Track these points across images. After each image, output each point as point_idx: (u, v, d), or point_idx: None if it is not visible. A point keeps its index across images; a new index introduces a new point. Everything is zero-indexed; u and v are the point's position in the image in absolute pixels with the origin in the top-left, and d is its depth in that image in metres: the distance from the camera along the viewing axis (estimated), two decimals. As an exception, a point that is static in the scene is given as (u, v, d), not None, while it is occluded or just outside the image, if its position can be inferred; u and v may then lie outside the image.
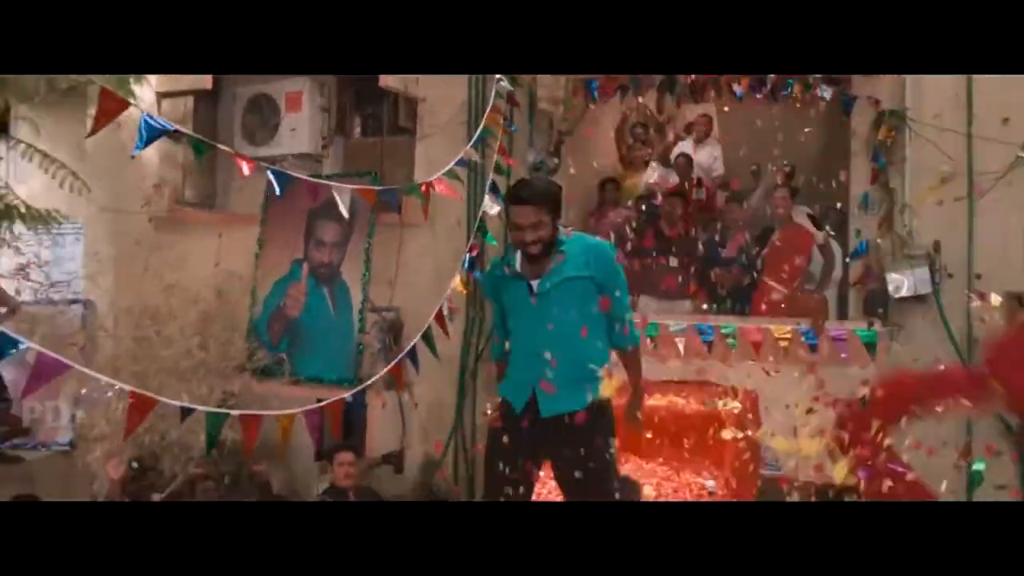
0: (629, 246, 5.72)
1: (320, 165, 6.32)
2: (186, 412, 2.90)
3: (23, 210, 4.86)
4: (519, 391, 3.03)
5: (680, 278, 5.45)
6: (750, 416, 4.22)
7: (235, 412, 3.06)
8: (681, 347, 4.73)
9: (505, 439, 3.05)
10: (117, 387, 2.76)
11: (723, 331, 4.70)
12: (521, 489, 3.02)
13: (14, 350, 2.41)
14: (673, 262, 5.36)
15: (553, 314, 2.93)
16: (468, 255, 4.67)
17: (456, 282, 4.58)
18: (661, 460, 3.75)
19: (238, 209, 6.64)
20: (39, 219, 4.92)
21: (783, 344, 4.56)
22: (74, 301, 5.70)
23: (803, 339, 4.54)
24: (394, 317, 5.95)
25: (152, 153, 6.27)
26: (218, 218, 6.61)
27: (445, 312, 4.23)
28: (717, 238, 5.52)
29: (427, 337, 4.09)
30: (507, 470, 3.01)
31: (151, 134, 2.74)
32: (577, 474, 2.90)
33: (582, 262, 2.97)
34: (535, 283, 2.98)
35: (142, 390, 2.72)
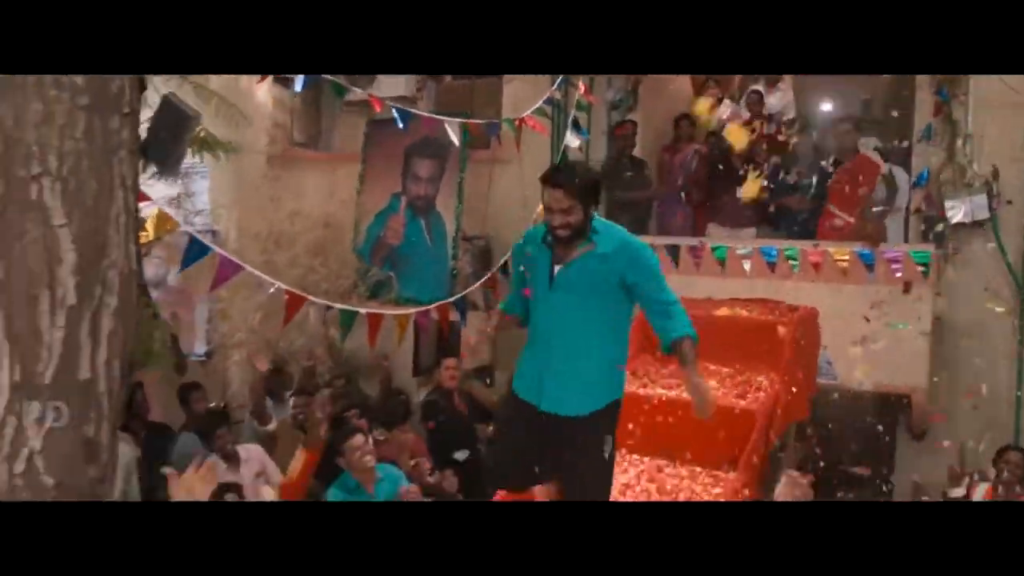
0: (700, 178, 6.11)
1: (415, 106, 6.89)
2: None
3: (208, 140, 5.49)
4: (531, 386, 2.88)
5: (746, 208, 5.83)
6: (808, 330, 4.67)
7: (363, 310, 3.73)
8: (747, 268, 5.19)
9: (513, 436, 2.99)
10: (272, 288, 3.44)
11: (786, 253, 5.12)
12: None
13: (203, 255, 3.11)
14: (740, 192, 5.74)
15: (567, 306, 2.79)
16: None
17: (539, 210, 5.15)
18: (724, 362, 4.23)
19: (341, 149, 7.32)
20: (219, 146, 5.54)
21: (842, 265, 4.97)
22: (206, 231, 6.51)
23: (861, 261, 4.93)
24: (484, 245, 6.57)
25: (266, 98, 7.00)
26: (324, 157, 7.31)
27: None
28: (783, 169, 5.87)
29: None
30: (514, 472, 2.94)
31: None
32: (571, 477, 2.80)
33: (612, 257, 2.77)
34: (556, 268, 2.80)
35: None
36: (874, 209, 5.36)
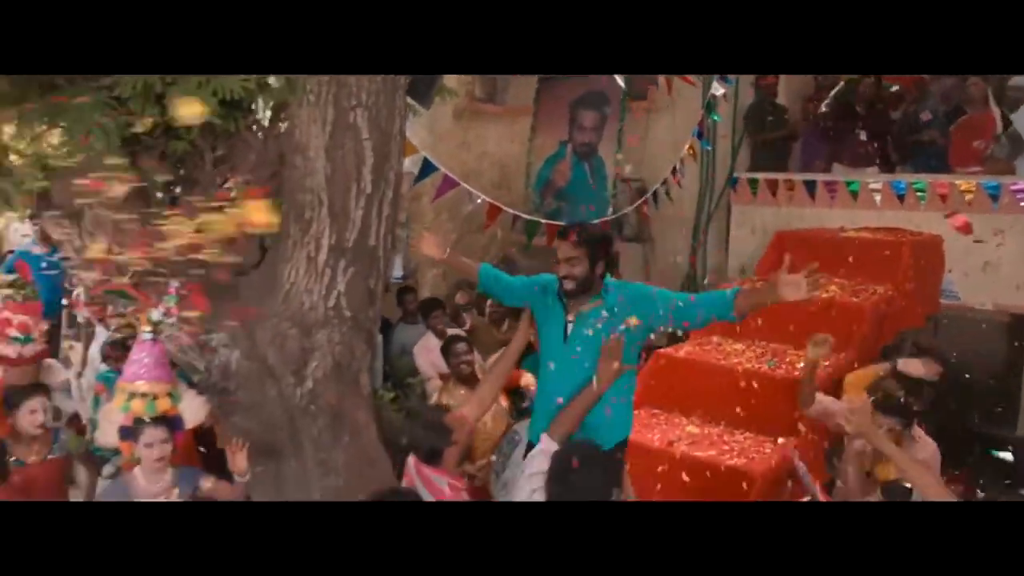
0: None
1: (581, 63, 7.84)
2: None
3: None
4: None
5: (872, 146, 6.35)
6: (929, 252, 5.26)
7: (544, 221, 4.76)
8: (878, 200, 5.78)
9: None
10: (479, 200, 4.54)
11: (915, 186, 5.67)
12: None
13: (432, 172, 4.24)
14: (863, 135, 6.27)
15: (581, 358, 2.89)
16: (697, 127, 6.08)
17: (685, 148, 6.05)
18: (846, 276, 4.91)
19: (516, 103, 8.38)
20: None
21: (968, 197, 5.47)
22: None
23: (986, 192, 5.41)
24: (640, 185, 7.43)
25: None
26: (501, 110, 8.40)
27: (678, 169, 5.75)
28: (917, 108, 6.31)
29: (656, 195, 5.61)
30: None
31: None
32: None
33: (619, 306, 2.90)
34: (570, 323, 2.95)
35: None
36: (993, 152, 5.79)
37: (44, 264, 6.01)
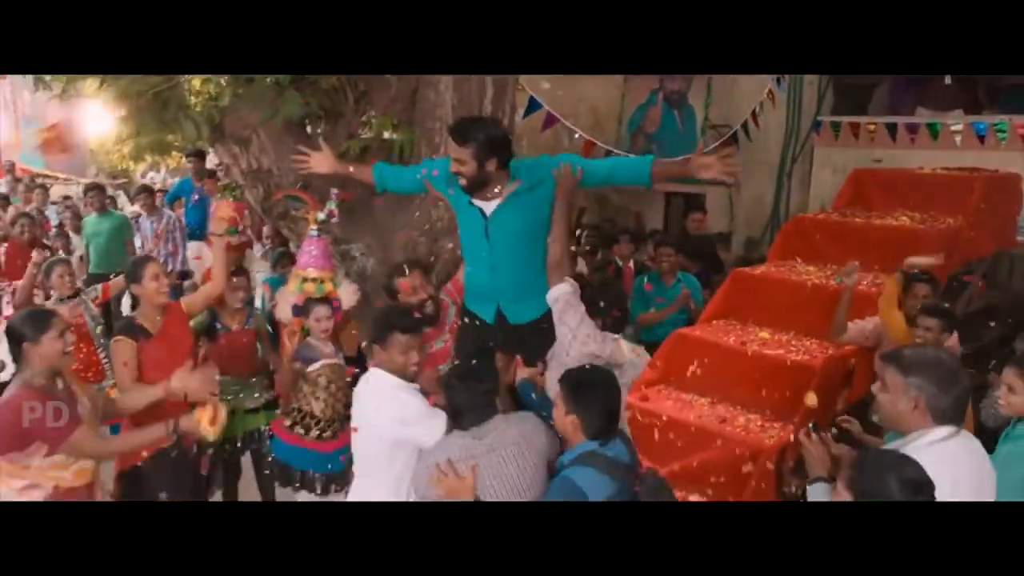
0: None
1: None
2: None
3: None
4: (486, 306, 3.12)
5: (957, 90, 6.54)
6: (1004, 189, 5.52)
7: (631, 156, 5.29)
8: (958, 141, 6.05)
9: (474, 338, 3.17)
10: (576, 135, 5.11)
11: (996, 127, 5.92)
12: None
13: (539, 108, 4.83)
14: (948, 80, 6.47)
15: (506, 245, 2.97)
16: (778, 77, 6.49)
17: (764, 92, 6.46)
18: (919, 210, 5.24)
19: (610, 53, 8.86)
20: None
21: (1049, 136, 5.70)
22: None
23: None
24: (728, 130, 7.82)
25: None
26: (595, 61, 8.90)
27: (757, 112, 6.17)
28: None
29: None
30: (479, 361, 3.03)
31: None
32: (542, 363, 3.06)
33: (541, 183, 2.96)
34: (486, 208, 2.97)
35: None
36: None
37: (196, 196, 6.94)
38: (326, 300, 3.57)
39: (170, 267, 6.32)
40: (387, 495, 2.74)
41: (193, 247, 6.77)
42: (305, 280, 3.58)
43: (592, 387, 2.39)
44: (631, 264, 5.97)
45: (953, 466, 2.01)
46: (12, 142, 12.01)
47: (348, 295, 3.69)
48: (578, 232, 6.89)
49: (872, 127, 6.55)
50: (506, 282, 3.03)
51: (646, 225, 8.42)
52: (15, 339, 2.61)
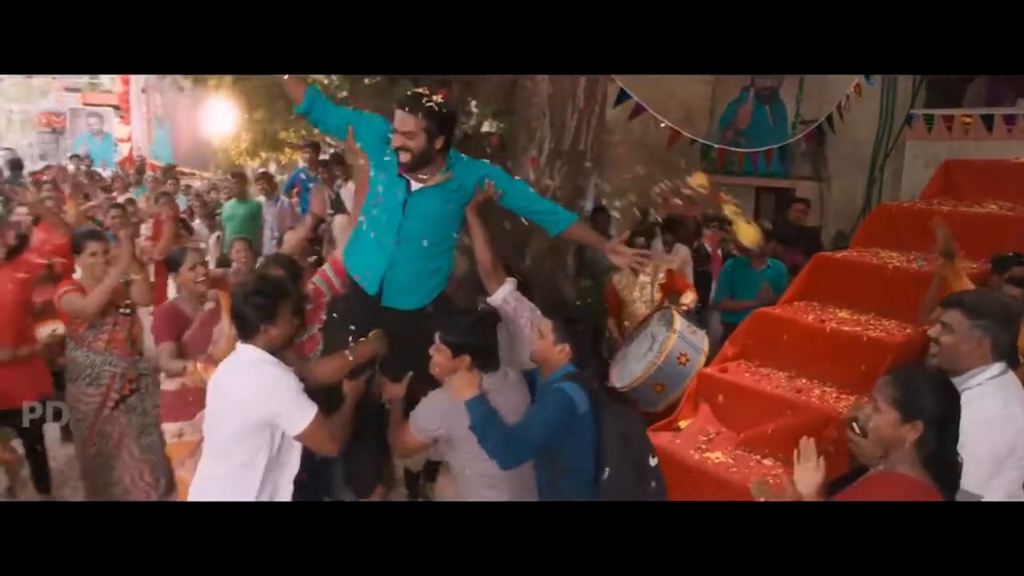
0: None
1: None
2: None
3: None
4: (371, 277, 3.05)
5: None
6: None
7: (716, 145, 5.52)
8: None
9: (345, 309, 3.17)
10: (662, 124, 5.37)
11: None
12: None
13: (628, 99, 5.13)
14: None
15: (416, 227, 2.95)
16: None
17: (851, 86, 6.55)
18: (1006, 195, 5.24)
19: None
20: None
21: None
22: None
23: None
24: (818, 126, 7.90)
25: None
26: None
27: (843, 104, 6.28)
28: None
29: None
30: (346, 337, 3.08)
31: None
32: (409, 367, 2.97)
33: (467, 185, 2.98)
34: (415, 184, 2.93)
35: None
36: None
37: (309, 184, 7.55)
38: None
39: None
40: (237, 484, 2.58)
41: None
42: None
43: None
44: (719, 251, 6.19)
45: (1019, 392, 2.31)
46: (145, 139, 13.17)
47: None
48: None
49: (967, 120, 6.53)
50: (404, 260, 2.99)
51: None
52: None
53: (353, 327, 3.05)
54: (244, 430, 2.56)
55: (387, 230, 2.98)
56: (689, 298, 4.91)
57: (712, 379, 4.31)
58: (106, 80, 18.46)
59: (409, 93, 2.89)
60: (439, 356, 2.72)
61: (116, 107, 17.25)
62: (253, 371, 2.58)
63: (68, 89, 18.69)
